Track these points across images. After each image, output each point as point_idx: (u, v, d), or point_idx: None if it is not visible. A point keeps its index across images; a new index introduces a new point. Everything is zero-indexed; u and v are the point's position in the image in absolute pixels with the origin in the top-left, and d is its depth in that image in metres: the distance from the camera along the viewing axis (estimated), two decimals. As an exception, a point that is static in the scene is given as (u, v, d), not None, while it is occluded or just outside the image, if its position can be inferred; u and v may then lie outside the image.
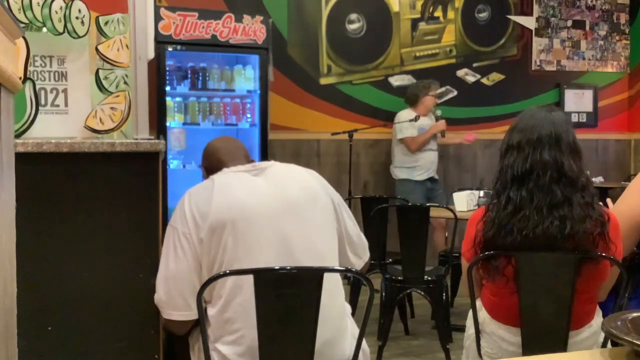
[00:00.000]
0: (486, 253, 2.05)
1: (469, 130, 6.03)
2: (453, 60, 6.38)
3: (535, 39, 6.71)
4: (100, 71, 2.44)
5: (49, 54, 2.45)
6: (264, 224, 1.96)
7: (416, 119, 5.42)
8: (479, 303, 2.20)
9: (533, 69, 6.72)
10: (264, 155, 4.97)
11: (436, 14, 6.29)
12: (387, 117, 5.86)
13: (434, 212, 4.03)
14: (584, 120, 6.91)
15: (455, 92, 6.37)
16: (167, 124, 4.81)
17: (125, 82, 2.45)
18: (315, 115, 5.87)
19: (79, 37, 2.44)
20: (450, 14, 6.35)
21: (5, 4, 2.17)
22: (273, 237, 1.96)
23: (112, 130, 2.43)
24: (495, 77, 6.55)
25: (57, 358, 2.10)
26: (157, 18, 4.57)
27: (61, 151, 2.08)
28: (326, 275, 1.80)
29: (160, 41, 4.59)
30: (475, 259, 2.08)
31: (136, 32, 2.33)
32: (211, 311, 1.96)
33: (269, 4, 5.64)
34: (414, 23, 6.21)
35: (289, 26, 5.79)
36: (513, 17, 6.62)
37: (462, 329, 2.40)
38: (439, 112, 5.60)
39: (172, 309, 2.00)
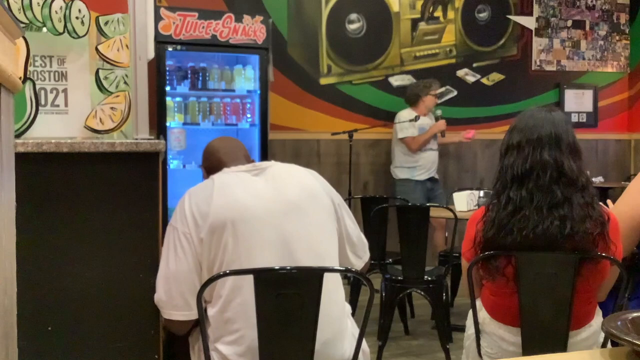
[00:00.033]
0: (486, 253, 2.05)
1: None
2: (453, 60, 6.39)
3: (535, 39, 6.71)
4: (100, 71, 2.44)
5: (49, 54, 2.44)
6: (264, 223, 1.96)
7: (416, 118, 5.42)
8: (479, 303, 2.20)
9: (533, 69, 6.72)
10: (264, 155, 4.97)
11: (436, 14, 6.29)
12: (387, 117, 5.86)
13: (434, 212, 4.02)
14: (584, 120, 6.91)
15: (455, 92, 6.37)
16: (167, 124, 4.81)
17: (125, 82, 2.45)
18: (315, 115, 5.88)
19: (79, 37, 2.44)
20: (450, 14, 6.35)
21: (5, 4, 2.17)
22: (273, 237, 1.96)
23: (112, 130, 2.43)
24: (495, 77, 6.55)
25: (57, 358, 2.10)
26: (157, 18, 4.57)
27: (61, 151, 2.08)
28: (326, 276, 1.80)
29: (160, 41, 4.60)
30: (475, 259, 2.08)
31: (136, 32, 2.33)
32: (211, 311, 1.96)
33: (269, 4, 5.64)
34: (414, 23, 6.21)
35: (289, 26, 5.79)
36: (513, 17, 6.62)
37: (462, 329, 2.40)
38: (439, 112, 5.60)
39: (172, 308, 2.00)
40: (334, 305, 2.00)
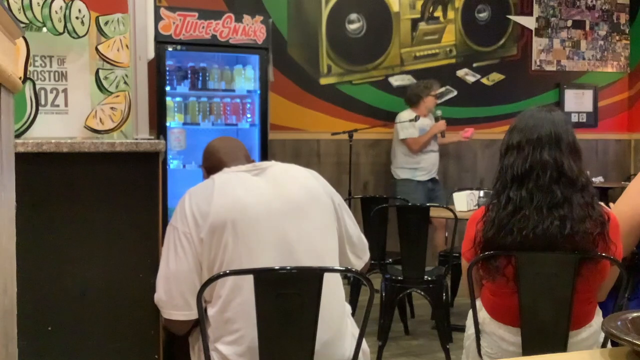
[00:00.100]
0: (486, 253, 2.05)
1: (468, 131, 6.04)
2: (453, 60, 6.39)
3: (535, 39, 6.71)
4: (100, 71, 2.44)
5: (49, 54, 2.45)
6: (265, 224, 1.96)
7: (416, 119, 5.43)
8: (479, 303, 2.20)
9: (533, 69, 6.72)
10: (264, 155, 4.97)
11: (436, 14, 6.29)
12: (387, 117, 5.87)
13: (434, 212, 4.03)
14: (584, 120, 6.91)
15: (455, 92, 6.37)
16: (167, 124, 4.81)
17: (125, 82, 2.45)
18: (315, 115, 5.88)
19: (79, 37, 2.44)
20: (450, 14, 6.35)
21: (5, 4, 2.17)
22: (273, 237, 1.96)
23: (112, 130, 2.43)
24: (495, 77, 6.55)
25: (57, 358, 2.10)
26: (157, 18, 4.57)
27: (61, 151, 2.08)
28: (326, 276, 1.80)
29: (160, 41, 4.60)
30: (475, 259, 2.08)
31: (136, 32, 2.33)
32: (211, 311, 1.96)
33: (269, 4, 5.64)
34: (414, 23, 6.21)
35: (289, 26, 5.79)
36: (513, 17, 6.62)
37: (462, 329, 2.40)
38: (439, 112, 5.60)
39: (173, 308, 2.00)
40: (334, 305, 1.99)
